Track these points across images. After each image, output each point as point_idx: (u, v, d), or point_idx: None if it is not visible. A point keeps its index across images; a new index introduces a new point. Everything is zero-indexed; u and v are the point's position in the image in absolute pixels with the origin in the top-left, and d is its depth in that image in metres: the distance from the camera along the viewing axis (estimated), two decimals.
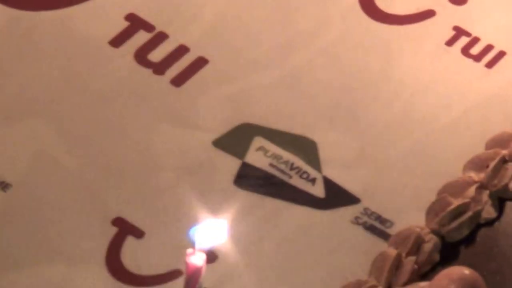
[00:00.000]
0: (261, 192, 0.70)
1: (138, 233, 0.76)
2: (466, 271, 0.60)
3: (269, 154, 0.72)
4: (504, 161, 0.72)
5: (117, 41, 0.82)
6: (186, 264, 0.55)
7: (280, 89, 0.79)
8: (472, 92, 0.81)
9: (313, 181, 0.70)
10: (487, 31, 0.87)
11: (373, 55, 0.84)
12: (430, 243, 0.66)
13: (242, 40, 0.84)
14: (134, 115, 0.78)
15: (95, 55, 0.82)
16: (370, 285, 0.65)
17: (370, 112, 0.78)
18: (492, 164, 0.71)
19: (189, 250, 0.53)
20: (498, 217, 0.70)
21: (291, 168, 0.71)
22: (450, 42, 0.85)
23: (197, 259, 0.53)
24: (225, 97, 0.78)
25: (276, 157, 0.72)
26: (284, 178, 0.71)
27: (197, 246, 0.55)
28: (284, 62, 0.81)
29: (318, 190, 0.70)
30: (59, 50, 0.82)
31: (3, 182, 0.73)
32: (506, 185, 0.71)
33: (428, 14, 0.88)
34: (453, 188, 0.70)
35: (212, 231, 0.58)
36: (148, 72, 0.78)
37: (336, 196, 0.70)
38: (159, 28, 0.83)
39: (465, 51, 0.82)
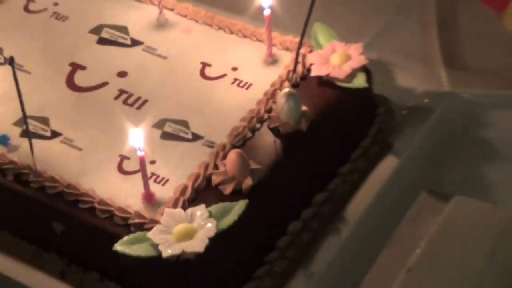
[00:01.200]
0: (168, 139, 0.92)
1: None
2: (238, 150, 0.85)
3: (173, 127, 0.93)
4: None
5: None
6: (139, 157, 0.82)
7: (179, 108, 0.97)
8: None
9: (187, 133, 0.92)
10: None
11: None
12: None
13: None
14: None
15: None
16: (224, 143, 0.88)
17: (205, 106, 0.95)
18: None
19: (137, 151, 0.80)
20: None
21: (182, 132, 0.92)
22: None
23: (140, 153, 0.81)
24: (155, 114, 0.94)
25: (176, 128, 0.93)
26: (181, 135, 0.92)
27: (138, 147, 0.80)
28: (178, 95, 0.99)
29: (190, 136, 0.91)
30: None
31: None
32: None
33: None
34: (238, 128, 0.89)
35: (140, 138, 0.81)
36: (127, 106, 0.97)
37: (196, 137, 0.91)
38: (132, 91, 0.98)
39: None
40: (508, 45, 1.07)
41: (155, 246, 0.77)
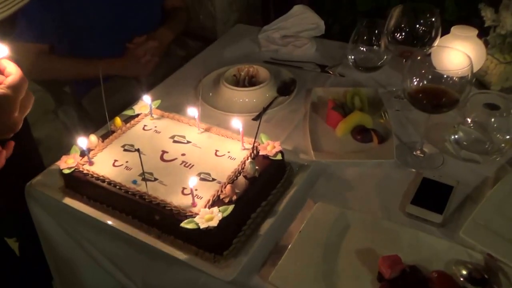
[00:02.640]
0: (202, 181, 0.87)
1: None
2: (231, 184, 0.81)
3: (204, 175, 0.89)
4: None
5: None
6: (190, 188, 0.79)
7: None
8: None
9: (210, 178, 0.88)
10: None
11: None
12: None
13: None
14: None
15: None
16: None
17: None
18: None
19: None
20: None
21: (208, 177, 0.89)
22: None
23: (192, 186, 0.80)
24: (197, 170, 0.89)
25: (205, 176, 0.89)
26: (207, 178, 0.89)
27: None
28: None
29: (211, 179, 0.89)
30: None
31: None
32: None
33: None
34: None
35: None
36: (185, 167, 0.89)
37: (213, 179, 0.88)
38: (187, 161, 0.91)
39: None
40: (338, 141, 1.04)
41: (197, 223, 0.76)
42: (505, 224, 0.73)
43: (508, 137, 0.87)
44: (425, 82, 0.81)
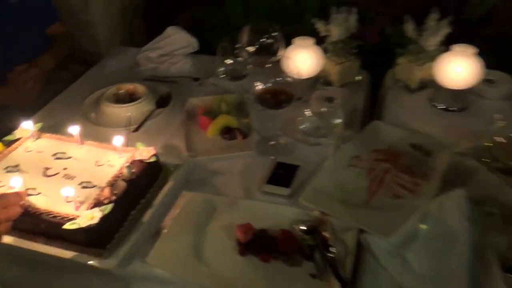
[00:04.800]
0: (84, 188, 0.90)
1: None
2: (108, 187, 0.85)
3: (85, 184, 0.92)
4: None
5: None
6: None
7: None
8: None
9: (91, 185, 0.91)
10: None
11: None
12: None
13: None
14: None
15: None
16: None
17: None
18: None
19: None
20: None
21: (89, 185, 0.92)
22: None
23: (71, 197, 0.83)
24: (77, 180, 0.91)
25: (88, 184, 0.92)
26: (88, 186, 0.91)
27: None
28: None
29: (92, 186, 0.91)
30: None
31: None
32: None
33: None
34: None
35: None
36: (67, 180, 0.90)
37: (93, 186, 0.91)
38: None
39: None
40: (209, 141, 1.15)
41: (79, 224, 0.81)
42: (333, 187, 0.91)
43: (337, 121, 1.01)
44: (269, 85, 0.96)
